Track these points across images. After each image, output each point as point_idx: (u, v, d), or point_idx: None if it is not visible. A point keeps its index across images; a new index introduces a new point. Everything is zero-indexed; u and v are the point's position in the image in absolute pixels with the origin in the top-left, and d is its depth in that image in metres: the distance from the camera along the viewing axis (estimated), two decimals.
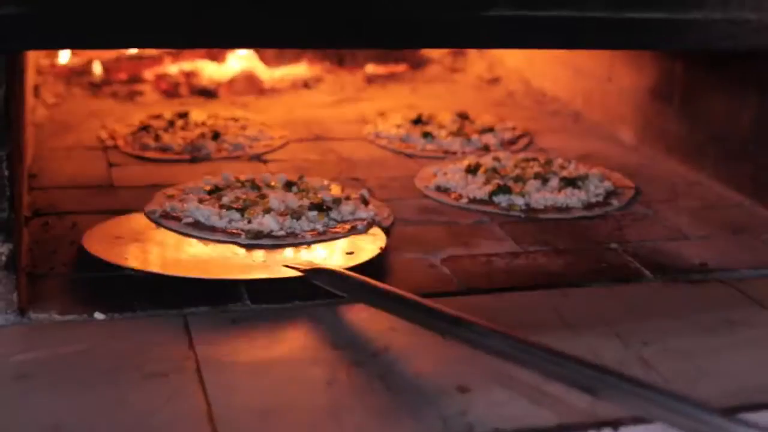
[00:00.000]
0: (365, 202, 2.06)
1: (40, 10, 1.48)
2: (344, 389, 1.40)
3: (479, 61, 3.48)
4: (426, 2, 1.62)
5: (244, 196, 2.02)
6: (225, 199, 2.01)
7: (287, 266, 1.74)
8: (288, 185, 2.13)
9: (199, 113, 2.79)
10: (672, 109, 2.55)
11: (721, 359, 1.53)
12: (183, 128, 2.65)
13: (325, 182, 2.18)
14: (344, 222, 1.98)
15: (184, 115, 2.75)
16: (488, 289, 1.77)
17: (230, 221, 1.92)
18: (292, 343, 1.56)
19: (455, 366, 1.46)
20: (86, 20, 1.52)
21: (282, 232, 1.90)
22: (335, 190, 2.14)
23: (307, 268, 1.72)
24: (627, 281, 1.84)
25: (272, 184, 2.13)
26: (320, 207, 1.98)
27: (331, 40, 1.66)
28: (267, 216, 1.92)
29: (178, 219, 1.95)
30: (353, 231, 1.94)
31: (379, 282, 1.61)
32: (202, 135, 2.57)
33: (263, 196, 2.02)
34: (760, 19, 1.77)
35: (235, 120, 2.74)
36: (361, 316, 1.62)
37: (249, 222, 1.91)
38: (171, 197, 2.04)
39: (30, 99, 2.62)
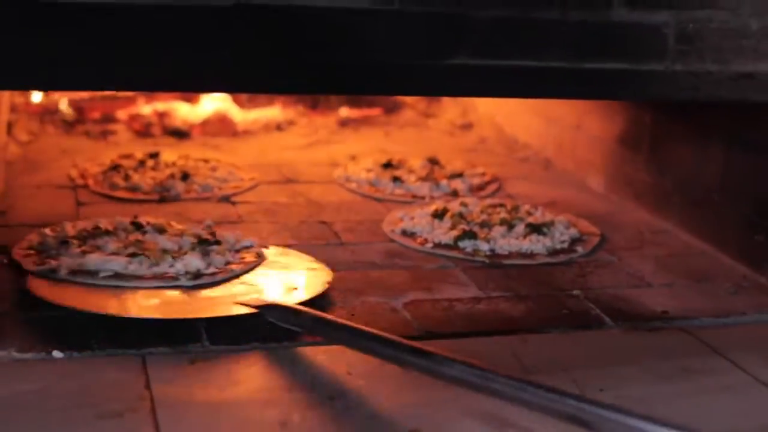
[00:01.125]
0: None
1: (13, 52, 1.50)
2: None
3: (453, 106, 3.50)
4: (389, 49, 1.64)
5: (120, 243, 1.99)
6: (110, 247, 1.97)
7: (241, 303, 1.76)
8: (158, 230, 2.10)
9: (170, 154, 2.80)
10: (640, 157, 2.57)
11: (674, 407, 1.53)
12: (153, 168, 2.66)
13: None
14: (236, 251, 2.03)
15: (155, 156, 2.76)
16: (448, 334, 1.77)
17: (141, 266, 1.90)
18: (249, 384, 1.56)
19: (409, 410, 1.47)
20: (60, 62, 1.54)
21: (210, 270, 1.92)
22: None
23: (261, 304, 1.75)
24: (587, 328, 1.85)
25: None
26: (206, 242, 2.02)
27: (293, 85, 1.68)
28: (188, 256, 1.93)
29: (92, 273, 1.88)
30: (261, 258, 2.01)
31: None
32: (172, 175, 2.58)
33: (140, 242, 2.01)
34: (721, 70, 1.80)
35: (206, 161, 2.75)
36: (318, 359, 1.63)
37: (157, 266, 1.90)
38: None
39: (2, 136, 2.62)
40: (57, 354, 1.61)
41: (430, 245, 2.20)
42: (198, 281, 1.88)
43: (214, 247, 2.00)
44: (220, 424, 1.41)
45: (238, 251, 2.03)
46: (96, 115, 3.20)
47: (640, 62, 1.74)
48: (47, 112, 3.17)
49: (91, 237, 2.02)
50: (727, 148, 2.23)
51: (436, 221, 2.31)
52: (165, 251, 1.94)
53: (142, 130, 3.14)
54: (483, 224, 2.28)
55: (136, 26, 1.55)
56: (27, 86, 2.31)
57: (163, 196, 2.48)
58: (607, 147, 2.72)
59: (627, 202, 2.61)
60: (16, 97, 3.15)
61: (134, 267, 1.89)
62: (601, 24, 1.71)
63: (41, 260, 1.91)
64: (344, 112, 3.42)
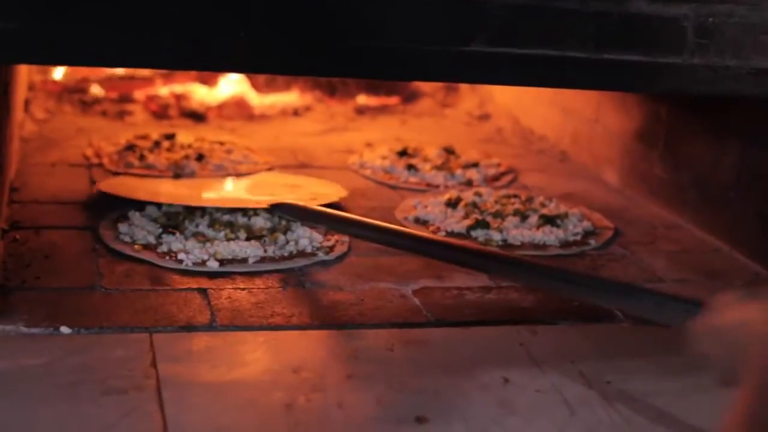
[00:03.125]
0: None
1: (34, 26, 1.50)
2: (302, 414, 1.40)
3: (470, 97, 3.49)
4: (406, 34, 1.64)
5: None
6: None
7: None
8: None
9: (186, 135, 2.80)
10: (656, 152, 2.56)
11: (681, 402, 1.52)
12: (169, 149, 2.66)
13: None
14: None
15: (170, 137, 2.76)
16: (457, 322, 1.77)
17: None
18: (255, 365, 1.56)
19: (415, 396, 1.47)
20: (79, 37, 1.54)
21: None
22: None
23: (272, 202, 2.10)
24: (597, 321, 1.83)
25: None
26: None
27: (306, 67, 1.67)
28: None
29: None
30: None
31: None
32: (186, 156, 2.58)
33: None
34: (739, 65, 1.78)
35: (221, 144, 2.75)
36: (326, 343, 1.63)
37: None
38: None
39: (19, 113, 2.63)
40: (65, 329, 1.61)
41: (442, 233, 2.19)
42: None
43: None
44: (225, 404, 1.41)
45: None
46: (113, 95, 3.20)
47: (658, 54, 1.73)
48: (65, 91, 3.18)
49: None
50: (744, 145, 2.22)
51: (450, 210, 2.31)
52: None
53: (159, 111, 3.14)
54: (496, 214, 2.27)
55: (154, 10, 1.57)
56: (60, 62, 2.45)
57: (178, 173, 2.48)
58: (623, 141, 2.71)
59: (642, 197, 2.60)
60: (35, 75, 3.16)
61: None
62: (620, 15, 1.70)
63: None
64: (362, 99, 3.41)
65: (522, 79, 1.74)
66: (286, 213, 2.10)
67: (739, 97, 1.86)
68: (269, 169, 2.62)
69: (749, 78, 1.79)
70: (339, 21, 1.62)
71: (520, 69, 1.69)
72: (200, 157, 2.59)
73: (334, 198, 2.33)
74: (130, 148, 2.63)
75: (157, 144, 2.69)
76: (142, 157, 2.56)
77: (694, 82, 1.77)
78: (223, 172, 2.54)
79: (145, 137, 2.75)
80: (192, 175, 2.49)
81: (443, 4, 1.65)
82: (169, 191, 2.30)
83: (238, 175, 2.54)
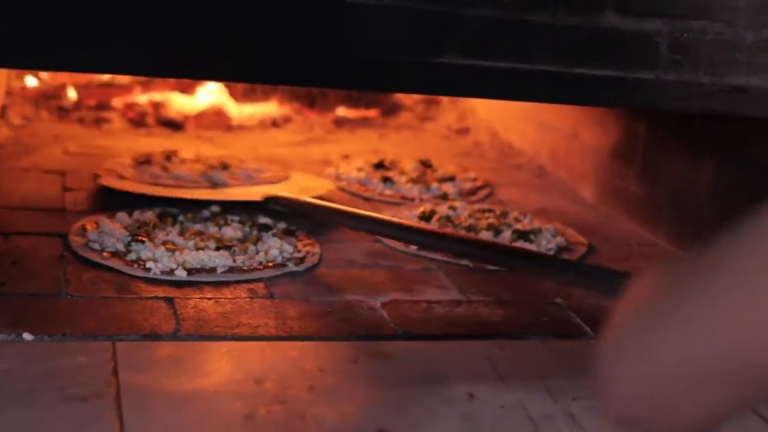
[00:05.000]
0: None
1: (11, 30, 1.50)
2: (261, 425, 1.38)
3: (450, 111, 3.49)
4: (377, 44, 1.63)
5: None
6: None
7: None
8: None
9: (187, 151, 2.75)
10: (633, 169, 2.55)
11: None
12: (183, 162, 2.62)
13: None
14: None
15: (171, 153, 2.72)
16: (424, 336, 1.75)
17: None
18: (217, 375, 1.54)
19: (377, 409, 1.45)
20: (57, 42, 1.54)
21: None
22: None
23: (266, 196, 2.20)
24: (566, 337, 1.82)
25: None
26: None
27: (280, 76, 1.67)
28: None
29: None
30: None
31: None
32: (212, 166, 2.57)
33: None
34: (713, 82, 1.78)
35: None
36: (290, 355, 1.61)
37: None
38: None
39: None
40: (27, 336, 1.59)
41: (414, 247, 2.18)
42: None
43: None
44: (184, 414, 1.39)
45: None
46: (91, 102, 3.18)
47: (630, 70, 1.73)
48: (43, 98, 3.16)
49: None
50: (719, 163, 2.22)
51: (423, 223, 2.30)
52: None
53: (137, 119, 3.12)
54: (470, 228, 2.26)
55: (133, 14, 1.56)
56: (34, 66, 2.38)
57: (215, 183, 2.48)
58: (600, 158, 2.70)
59: (617, 214, 2.59)
60: (13, 81, 3.14)
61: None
62: (593, 29, 1.69)
63: None
64: (341, 111, 3.40)
65: (493, 91, 1.73)
66: (280, 205, 2.18)
67: (713, 115, 1.85)
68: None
69: (722, 96, 1.79)
70: (311, 31, 1.61)
71: (491, 81, 1.68)
72: (225, 167, 2.58)
73: (322, 191, 2.41)
74: (147, 162, 2.59)
75: (168, 158, 2.64)
76: (165, 169, 2.53)
77: (667, 98, 1.77)
78: (252, 180, 2.52)
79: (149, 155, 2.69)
80: (224, 184, 2.48)
81: (415, 15, 1.64)
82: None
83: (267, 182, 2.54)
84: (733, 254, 0.69)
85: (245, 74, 1.76)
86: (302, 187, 2.41)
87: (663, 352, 0.70)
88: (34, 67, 2.52)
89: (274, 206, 2.19)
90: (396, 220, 2.07)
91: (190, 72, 1.79)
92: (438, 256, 2.13)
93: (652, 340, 0.70)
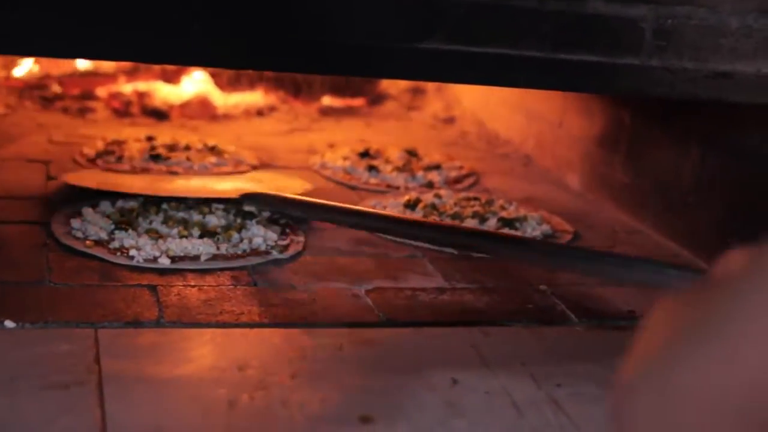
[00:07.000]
0: None
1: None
2: (244, 412, 1.37)
3: (437, 100, 3.48)
4: (360, 29, 1.62)
5: None
6: None
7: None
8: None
9: (163, 137, 2.75)
10: (618, 157, 2.55)
11: None
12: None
13: None
14: None
15: (151, 138, 2.72)
16: (409, 323, 1.75)
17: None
18: (200, 362, 1.54)
19: (361, 396, 1.45)
20: (35, 27, 1.53)
21: None
22: None
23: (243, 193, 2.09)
24: (551, 323, 1.82)
25: None
26: None
27: (258, 61, 1.66)
28: None
29: None
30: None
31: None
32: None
33: None
34: (697, 68, 1.78)
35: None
36: (274, 342, 1.60)
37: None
38: None
39: None
40: (9, 324, 1.58)
41: None
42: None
43: None
44: (166, 401, 1.39)
45: None
46: (75, 91, 3.16)
47: (615, 55, 1.72)
48: (27, 87, 3.14)
49: None
50: (704, 150, 2.21)
51: (408, 211, 2.29)
52: None
53: (121, 108, 3.10)
54: (455, 216, 2.25)
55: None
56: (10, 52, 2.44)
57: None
58: (586, 146, 2.70)
59: (604, 202, 2.59)
60: None
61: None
62: (577, 15, 1.69)
63: None
64: (327, 100, 3.38)
65: (478, 77, 1.73)
66: (257, 203, 2.08)
67: (697, 101, 1.85)
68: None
69: (706, 81, 1.78)
70: (293, 15, 1.60)
71: (476, 67, 1.67)
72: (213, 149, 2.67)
73: (299, 190, 2.30)
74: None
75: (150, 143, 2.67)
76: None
77: (652, 84, 1.76)
78: (205, 172, 2.54)
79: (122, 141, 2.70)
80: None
81: (399, 0, 1.63)
82: (139, 184, 2.28)
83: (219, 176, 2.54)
84: (750, 286, 0.68)
85: (225, 60, 1.74)
86: (272, 187, 2.31)
87: (682, 396, 0.69)
88: (11, 52, 2.52)
89: (248, 206, 2.08)
90: (378, 211, 2.08)
91: (166, 57, 1.78)
92: (423, 243, 2.12)
93: (670, 383, 0.69)
